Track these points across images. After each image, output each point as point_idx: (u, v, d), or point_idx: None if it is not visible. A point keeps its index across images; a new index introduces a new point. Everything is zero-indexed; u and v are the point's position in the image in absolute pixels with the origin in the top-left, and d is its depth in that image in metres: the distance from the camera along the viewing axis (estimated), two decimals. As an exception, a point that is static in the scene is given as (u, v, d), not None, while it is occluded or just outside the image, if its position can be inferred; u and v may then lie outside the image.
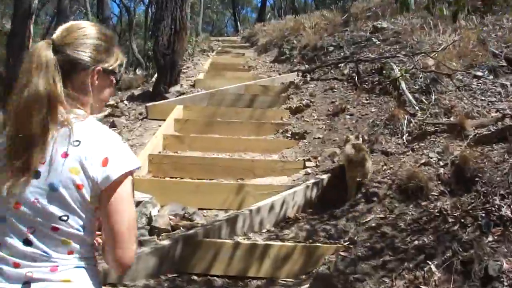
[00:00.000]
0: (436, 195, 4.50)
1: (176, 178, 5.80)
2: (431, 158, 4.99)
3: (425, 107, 6.14)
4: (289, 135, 6.90)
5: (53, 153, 1.42)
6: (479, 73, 6.67)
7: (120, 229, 1.44)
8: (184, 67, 12.58)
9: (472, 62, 7.01)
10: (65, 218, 1.43)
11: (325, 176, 5.25)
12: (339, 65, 9.02)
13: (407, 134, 5.67)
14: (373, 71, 7.98)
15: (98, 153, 1.44)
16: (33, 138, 1.40)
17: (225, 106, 8.39)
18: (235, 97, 8.68)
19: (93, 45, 1.54)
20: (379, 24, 10.63)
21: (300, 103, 7.86)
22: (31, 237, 1.43)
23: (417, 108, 6.13)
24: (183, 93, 9.20)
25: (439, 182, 4.64)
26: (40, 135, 1.41)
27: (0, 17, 24.42)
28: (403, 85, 6.74)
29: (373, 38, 9.64)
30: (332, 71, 9.01)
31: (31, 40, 6.57)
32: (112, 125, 7.47)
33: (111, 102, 9.04)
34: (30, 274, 1.41)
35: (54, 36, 1.56)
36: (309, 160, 5.85)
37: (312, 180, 5.15)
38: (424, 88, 6.68)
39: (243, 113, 7.95)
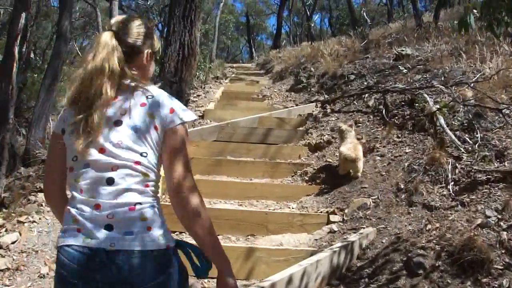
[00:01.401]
0: (500, 269, 3.45)
1: (175, 232, 4.77)
2: (489, 217, 3.94)
3: (470, 148, 5.09)
4: (308, 178, 5.88)
5: (132, 105, 1.80)
6: (532, 107, 5.61)
7: (177, 159, 1.81)
8: (195, 95, 11.71)
9: (520, 93, 5.98)
10: (145, 154, 1.77)
11: (355, 237, 4.18)
12: (363, 95, 8.03)
13: (452, 183, 4.61)
14: (402, 103, 6.97)
15: (166, 103, 1.84)
16: (93, 98, 1.75)
17: (236, 140, 7.43)
18: (247, 131, 7.72)
19: (143, 33, 1.94)
20: (403, 50, 9.66)
21: (321, 138, 6.88)
22: (114, 175, 1.72)
23: (461, 149, 5.07)
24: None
25: (503, 251, 3.58)
26: (98, 96, 1.75)
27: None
28: (441, 121, 5.70)
29: (399, 66, 8.64)
30: (355, 102, 8.02)
31: (15, 64, 5.69)
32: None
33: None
34: (111, 216, 1.69)
35: (114, 28, 1.90)
36: (333, 212, 4.80)
37: (339, 244, 4.08)
38: (465, 124, 5.62)
39: (256, 149, 6.97)
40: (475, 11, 3.73)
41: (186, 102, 8.91)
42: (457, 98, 6.10)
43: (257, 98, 11.46)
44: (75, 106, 1.79)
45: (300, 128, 7.85)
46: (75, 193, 1.76)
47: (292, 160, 6.62)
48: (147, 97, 1.84)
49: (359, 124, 7.00)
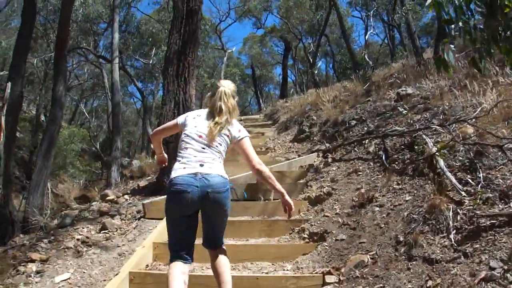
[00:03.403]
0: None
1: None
2: (494, 269, 3.61)
3: (473, 190, 4.79)
4: (306, 235, 5.60)
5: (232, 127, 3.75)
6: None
7: (250, 155, 3.69)
8: (198, 153, 11.60)
9: (522, 125, 5.69)
10: (219, 145, 3.65)
11: (350, 301, 3.87)
12: (363, 141, 7.81)
13: (454, 231, 4.29)
14: (402, 146, 6.73)
15: (236, 127, 3.75)
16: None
17: (234, 198, 7.20)
18: (246, 188, 7.50)
19: (235, 90, 3.91)
20: (404, 90, 9.51)
21: (321, 191, 6.64)
22: (206, 148, 3.61)
23: (463, 193, 4.77)
24: (189, 185, 8.07)
25: (512, 308, 3.25)
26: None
27: (27, 104, 24.56)
28: (441, 163, 5.43)
29: (398, 107, 8.45)
30: (356, 149, 7.80)
31: (1, 134, 5.66)
32: (102, 228, 6.31)
33: (111, 196, 7.98)
34: (202, 159, 3.56)
35: (225, 84, 3.88)
36: (329, 273, 4.49)
37: (333, 310, 3.77)
38: (467, 164, 5.33)
39: (253, 207, 6.76)
40: (452, 46, 3.55)
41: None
42: (456, 137, 5.84)
43: (260, 151, 11.28)
44: None
45: (301, 181, 7.63)
46: None
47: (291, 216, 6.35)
48: (231, 125, 3.82)
49: (360, 173, 6.75)
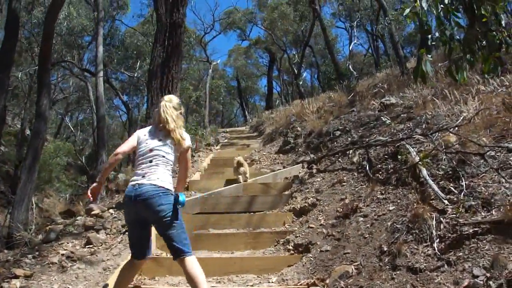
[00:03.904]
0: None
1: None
2: (477, 277, 3.62)
3: (456, 199, 4.82)
4: (291, 247, 5.58)
5: (177, 137, 4.12)
6: (515, 146, 5.37)
7: (187, 164, 4.27)
8: (183, 166, 11.53)
9: (503, 132, 5.73)
10: (167, 154, 4.07)
11: (335, 312, 3.86)
12: (347, 152, 7.83)
13: (438, 240, 4.30)
14: (386, 156, 6.77)
15: (183, 136, 4.16)
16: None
17: (220, 211, 7.22)
18: (231, 200, 7.51)
19: (178, 103, 4.33)
20: (387, 100, 9.60)
21: (305, 202, 6.64)
22: (154, 160, 4.02)
23: (446, 202, 4.80)
24: (174, 199, 8.02)
25: (495, 316, 3.25)
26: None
27: (12, 118, 24.33)
28: (424, 172, 5.46)
29: (382, 117, 8.50)
30: (340, 159, 7.82)
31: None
32: (87, 242, 6.23)
33: (96, 211, 7.87)
34: (146, 171, 3.99)
35: (175, 103, 4.29)
36: (314, 284, 4.47)
37: (318, 322, 3.75)
38: (450, 172, 5.38)
39: (239, 220, 6.73)
40: (429, 56, 3.58)
41: (169, 176, 8.74)
42: (438, 146, 5.89)
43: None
44: None
45: (286, 192, 7.63)
46: None
47: (276, 228, 6.36)
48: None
49: (344, 183, 6.76)
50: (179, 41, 9.24)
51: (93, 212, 7.91)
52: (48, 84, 10.20)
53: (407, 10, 3.71)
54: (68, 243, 6.21)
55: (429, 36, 3.56)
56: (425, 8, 3.52)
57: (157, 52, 9.18)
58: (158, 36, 9.38)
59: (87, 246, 6.14)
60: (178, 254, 3.96)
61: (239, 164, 9.04)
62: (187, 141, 4.18)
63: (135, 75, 24.95)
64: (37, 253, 5.90)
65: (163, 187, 3.90)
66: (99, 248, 6.08)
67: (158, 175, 3.95)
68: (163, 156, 4.04)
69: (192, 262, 3.97)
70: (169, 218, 3.88)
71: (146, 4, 32.38)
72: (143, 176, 3.96)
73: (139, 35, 25.42)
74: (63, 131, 33.93)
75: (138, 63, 24.82)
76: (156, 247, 6.07)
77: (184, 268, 3.94)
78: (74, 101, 32.27)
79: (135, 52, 24.87)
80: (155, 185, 3.88)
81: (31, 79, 22.04)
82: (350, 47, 25.83)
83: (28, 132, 22.42)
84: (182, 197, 3.93)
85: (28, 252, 6.06)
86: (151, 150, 4.08)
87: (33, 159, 9.23)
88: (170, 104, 4.24)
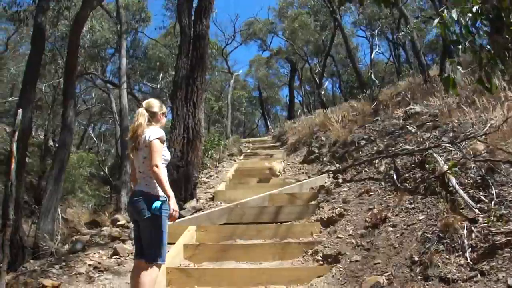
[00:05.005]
0: None
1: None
2: (512, 287, 3.60)
3: (486, 207, 4.79)
4: (320, 257, 5.58)
5: (143, 138, 4.15)
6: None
7: (152, 156, 4.05)
8: (207, 176, 11.67)
9: (533, 140, 5.71)
10: (145, 158, 4.15)
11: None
12: (374, 161, 7.83)
13: (470, 250, 4.29)
14: (413, 165, 6.75)
15: (148, 133, 4.15)
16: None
17: (247, 221, 7.27)
18: (257, 211, 7.56)
19: (158, 105, 4.43)
20: (412, 108, 9.56)
21: (333, 212, 6.65)
22: (140, 169, 4.22)
23: (476, 211, 4.78)
24: (200, 209, 8.14)
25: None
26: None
27: (35, 129, 24.74)
28: (453, 181, 5.44)
29: (407, 126, 8.49)
30: (366, 169, 7.83)
31: (13, 160, 5.78)
32: (114, 253, 6.30)
33: (122, 221, 7.97)
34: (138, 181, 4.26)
35: (144, 105, 4.39)
36: (345, 295, 4.49)
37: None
38: (479, 181, 5.36)
39: (265, 230, 6.75)
40: (459, 68, 3.58)
41: (194, 186, 8.83)
42: (466, 155, 5.87)
43: (268, 173, 11.33)
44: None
45: (312, 203, 7.64)
46: None
47: (304, 238, 6.36)
48: (146, 134, 4.15)
49: (371, 193, 6.76)
50: (203, 53, 9.36)
51: (118, 223, 8.02)
52: (73, 96, 10.43)
53: (436, 21, 3.72)
54: (94, 253, 6.30)
55: (459, 46, 3.56)
56: (455, 18, 3.52)
57: (182, 63, 9.30)
58: (182, 48, 9.52)
59: (113, 257, 6.21)
60: (144, 256, 4.08)
61: (270, 168, 10.55)
62: (152, 136, 4.12)
63: (158, 86, 25.23)
64: (64, 263, 5.99)
65: (146, 192, 4.08)
66: (125, 259, 6.15)
67: (143, 182, 4.16)
68: (143, 162, 4.17)
69: (151, 272, 4.05)
70: (149, 222, 4.04)
71: (168, 16, 32.71)
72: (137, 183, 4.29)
73: (161, 46, 25.72)
74: (86, 142, 34.40)
75: (161, 74, 25.10)
76: (184, 258, 6.13)
77: (138, 271, 4.05)
78: (96, 112, 32.71)
79: (157, 63, 25.14)
80: (140, 190, 4.14)
81: (55, 91, 22.44)
82: (372, 56, 25.80)
83: (51, 143, 22.80)
84: (155, 203, 3.99)
85: (55, 262, 6.14)
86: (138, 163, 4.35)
87: (59, 170, 9.40)
88: (138, 112, 4.34)
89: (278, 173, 10.54)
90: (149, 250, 4.05)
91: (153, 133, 4.13)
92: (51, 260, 6.32)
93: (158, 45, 26.05)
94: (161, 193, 4.06)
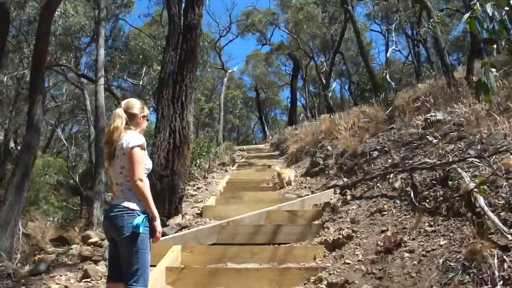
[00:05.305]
0: None
1: None
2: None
3: (520, 233, 4.78)
4: (324, 286, 5.54)
5: (120, 144, 4.08)
6: None
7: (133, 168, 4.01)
8: (194, 188, 11.67)
9: None
10: (122, 168, 4.10)
11: None
12: (388, 176, 7.82)
13: (501, 283, 4.26)
14: (434, 182, 6.75)
15: (128, 139, 4.07)
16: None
17: (239, 242, 7.24)
18: (252, 230, 7.55)
19: (138, 107, 4.34)
20: (433, 116, 9.58)
21: (339, 233, 6.63)
22: (118, 181, 4.16)
23: (509, 236, 4.76)
24: (186, 227, 8.12)
25: None
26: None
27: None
28: (481, 201, 5.43)
29: (427, 136, 8.49)
30: (379, 184, 7.83)
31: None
32: (84, 276, 6.22)
33: (94, 238, 7.91)
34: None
35: (123, 105, 4.30)
36: (354, 333, 4.46)
37: None
38: (511, 201, 5.34)
39: (262, 252, 6.73)
40: (493, 70, 3.57)
41: (180, 199, 8.78)
42: (497, 171, 5.86)
43: (267, 187, 11.33)
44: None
45: (316, 222, 7.65)
46: None
47: (305, 263, 6.34)
48: (125, 139, 4.08)
49: (384, 213, 6.75)
50: (194, 46, 9.33)
51: (90, 240, 7.95)
52: (42, 91, 10.25)
53: (466, 16, 3.71)
54: (61, 275, 6.24)
55: (494, 46, 3.55)
56: (490, 13, 3.51)
57: (169, 57, 9.27)
58: (171, 39, 9.49)
59: (83, 280, 6.14)
60: (124, 281, 4.02)
61: (279, 175, 11.14)
62: (124, 143, 4.08)
63: (140, 82, 25.23)
64: (23, 287, 5.93)
65: (121, 207, 4.02)
66: (98, 283, 6.09)
67: (121, 195, 4.12)
68: (121, 170, 4.11)
69: None
70: (128, 242, 3.98)
71: (154, 1, 32.81)
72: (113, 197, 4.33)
73: (145, 37, 25.70)
74: (54, 145, 34.24)
75: (144, 69, 25.10)
76: (166, 283, 6.09)
77: None
78: (67, 110, 32.58)
79: (140, 56, 25.13)
80: (116, 204, 4.10)
81: (19, 84, 22.35)
82: (388, 54, 25.88)
83: (12, 144, 22.70)
84: (136, 219, 3.94)
85: (13, 286, 6.09)
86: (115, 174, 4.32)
87: (22, 176, 9.20)
88: (116, 113, 4.27)
89: (287, 182, 11.10)
90: (129, 273, 3.98)
91: (132, 139, 4.05)
92: (8, 284, 6.25)
93: (142, 35, 26.08)
94: (143, 208, 4.02)
